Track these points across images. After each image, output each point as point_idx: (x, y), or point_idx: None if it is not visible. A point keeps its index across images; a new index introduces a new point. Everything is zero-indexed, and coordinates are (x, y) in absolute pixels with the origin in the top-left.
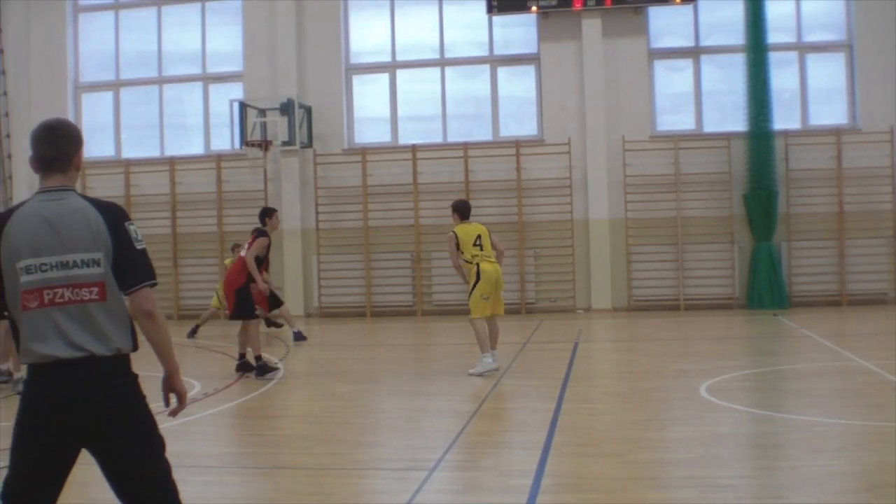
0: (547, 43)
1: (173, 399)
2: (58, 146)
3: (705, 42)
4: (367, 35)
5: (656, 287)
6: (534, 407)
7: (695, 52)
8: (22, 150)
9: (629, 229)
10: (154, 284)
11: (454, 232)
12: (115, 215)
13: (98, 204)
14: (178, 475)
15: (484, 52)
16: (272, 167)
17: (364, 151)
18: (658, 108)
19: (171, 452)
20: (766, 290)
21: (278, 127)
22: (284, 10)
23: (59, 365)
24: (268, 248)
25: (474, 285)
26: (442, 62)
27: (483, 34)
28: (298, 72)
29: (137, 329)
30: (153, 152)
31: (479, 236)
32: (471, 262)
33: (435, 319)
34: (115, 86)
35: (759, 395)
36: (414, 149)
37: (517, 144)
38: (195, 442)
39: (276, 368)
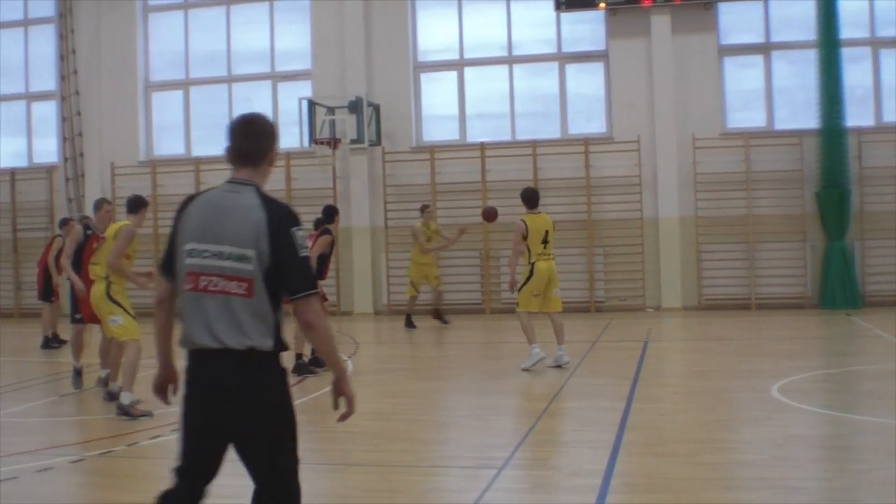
0: (615, 40)
1: (342, 403)
2: (255, 140)
3: (776, 38)
4: (435, 33)
5: (727, 286)
6: (603, 406)
7: (765, 48)
8: (93, 149)
9: (699, 227)
10: (315, 293)
11: (523, 220)
12: (280, 218)
13: (268, 203)
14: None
15: (552, 50)
16: (341, 165)
17: (432, 149)
18: (728, 105)
19: None
20: (838, 289)
21: (347, 125)
22: (352, 8)
23: (206, 353)
24: (331, 245)
25: (526, 281)
26: (510, 60)
27: (551, 31)
28: (367, 70)
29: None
30: (222, 150)
31: (546, 232)
32: (529, 261)
33: (504, 318)
34: (185, 84)
35: (832, 396)
36: (482, 146)
37: (586, 142)
38: None
39: (315, 372)
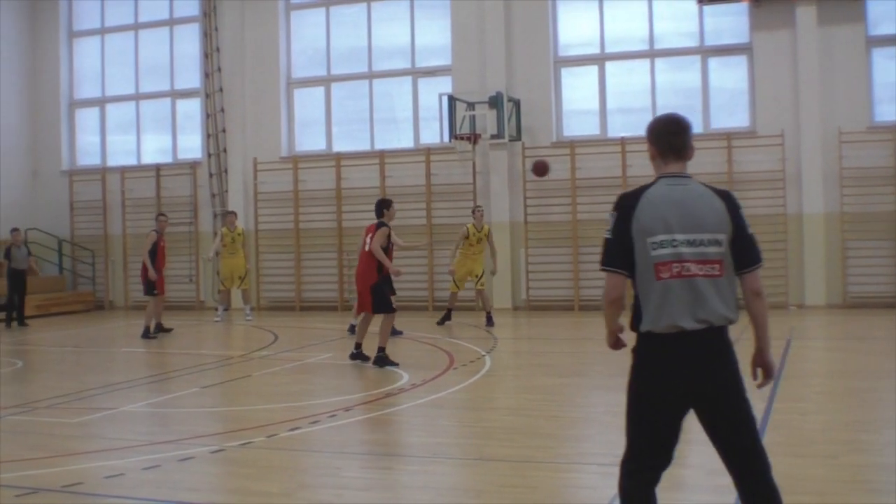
0: (759, 32)
1: (760, 372)
2: (687, 136)
3: None
4: (575, 27)
5: (873, 284)
6: None
7: None
8: (236, 145)
9: (844, 223)
10: (761, 266)
11: None
12: (733, 202)
13: (717, 191)
14: (385, 464)
15: (694, 43)
16: (481, 160)
17: (573, 144)
18: (876, 97)
19: (379, 441)
20: None
21: (487, 120)
22: (492, 3)
23: (682, 336)
24: (389, 236)
25: None
26: (651, 53)
27: (693, 24)
28: (507, 65)
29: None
30: (363, 146)
31: None
32: None
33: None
34: (326, 81)
35: None
36: (623, 142)
37: (728, 136)
38: (402, 432)
39: (396, 364)
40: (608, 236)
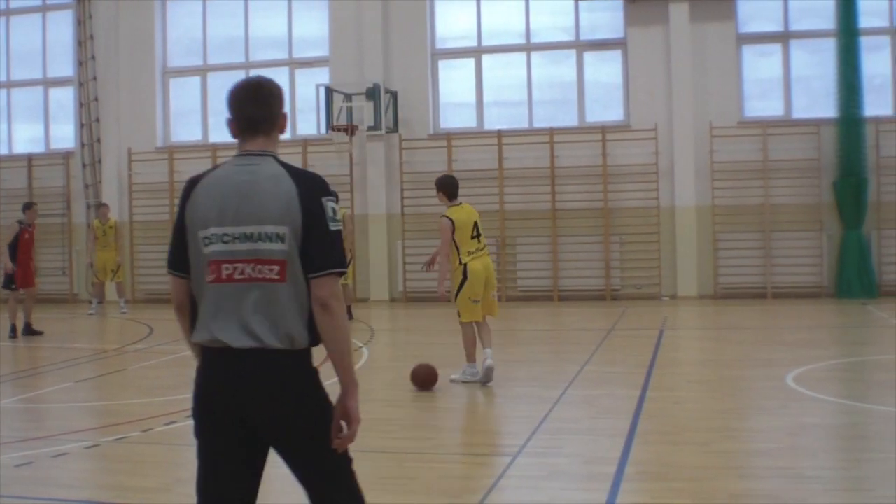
0: (634, 28)
1: (344, 425)
2: (265, 105)
3: (795, 26)
4: (452, 20)
5: (743, 275)
6: (618, 394)
7: (784, 37)
8: (110, 135)
9: (716, 216)
10: (342, 273)
11: (447, 217)
12: (314, 189)
13: (296, 173)
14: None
15: (570, 37)
16: (358, 152)
17: (449, 136)
18: (746, 93)
19: None
20: (854, 279)
21: (364, 112)
22: None
23: (229, 353)
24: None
25: (460, 287)
26: (528, 47)
27: (569, 19)
28: (384, 57)
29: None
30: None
31: (475, 224)
32: (459, 263)
33: (519, 305)
34: (203, 71)
35: (847, 385)
36: (499, 134)
37: (603, 130)
38: None
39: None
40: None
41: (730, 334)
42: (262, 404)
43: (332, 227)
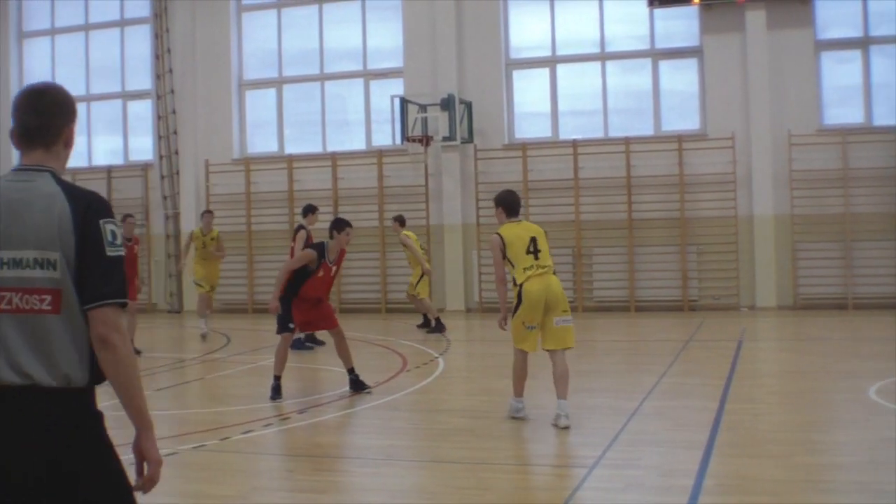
0: (709, 35)
1: (145, 467)
2: (44, 115)
3: (875, 32)
4: (526, 30)
5: (823, 285)
6: (697, 406)
7: (864, 43)
8: (188, 147)
9: (795, 226)
10: (122, 304)
11: (498, 234)
12: (88, 208)
13: (73, 192)
14: (339, 466)
15: (645, 46)
16: (433, 162)
17: (524, 146)
18: (825, 101)
19: (333, 444)
20: None
21: (439, 122)
22: (444, 5)
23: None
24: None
25: (515, 309)
26: (602, 56)
27: (644, 27)
28: (458, 67)
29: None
30: (315, 148)
31: (534, 240)
32: (515, 283)
33: (595, 316)
34: (278, 83)
35: None
36: (574, 144)
37: (679, 139)
38: (355, 434)
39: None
40: None
41: (810, 346)
42: (27, 455)
43: (111, 252)
